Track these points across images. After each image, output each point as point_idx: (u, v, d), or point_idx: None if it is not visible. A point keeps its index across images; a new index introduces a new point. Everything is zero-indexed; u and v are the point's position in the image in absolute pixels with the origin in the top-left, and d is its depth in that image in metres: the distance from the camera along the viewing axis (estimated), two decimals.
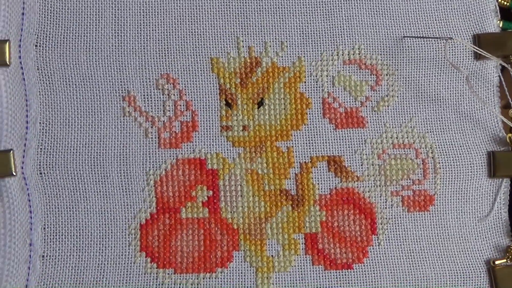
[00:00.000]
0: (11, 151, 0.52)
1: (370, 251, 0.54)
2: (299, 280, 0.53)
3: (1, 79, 0.52)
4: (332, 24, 0.55)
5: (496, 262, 0.54)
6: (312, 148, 0.55)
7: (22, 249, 0.52)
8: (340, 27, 0.55)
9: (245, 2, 0.55)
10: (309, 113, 0.55)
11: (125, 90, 0.54)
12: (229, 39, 0.55)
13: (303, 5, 0.55)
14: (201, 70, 0.55)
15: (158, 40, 0.55)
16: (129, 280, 0.53)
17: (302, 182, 0.54)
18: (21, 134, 0.53)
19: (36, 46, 0.54)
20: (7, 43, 0.53)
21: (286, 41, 0.55)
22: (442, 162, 0.55)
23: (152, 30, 0.55)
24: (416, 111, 0.56)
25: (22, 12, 0.54)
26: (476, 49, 0.55)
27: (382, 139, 0.55)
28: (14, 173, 0.52)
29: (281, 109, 0.55)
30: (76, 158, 0.53)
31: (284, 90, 0.55)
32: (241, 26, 0.55)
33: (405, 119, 0.55)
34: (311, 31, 0.55)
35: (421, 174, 0.55)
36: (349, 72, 0.56)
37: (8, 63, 0.53)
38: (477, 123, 0.56)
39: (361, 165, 0.55)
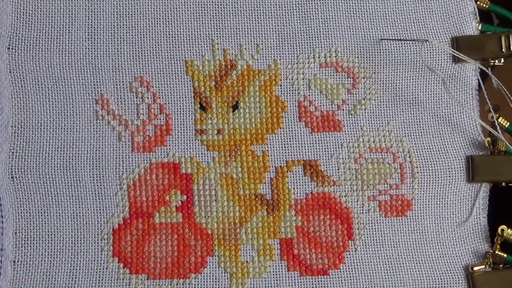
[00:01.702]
0: None
1: (347, 257, 0.53)
2: (274, 286, 0.53)
3: None
4: (308, 26, 0.55)
5: (475, 268, 0.54)
6: (288, 152, 0.54)
7: None
8: (317, 29, 0.55)
9: (220, 4, 0.55)
10: (285, 117, 0.54)
11: (98, 93, 0.54)
12: (204, 41, 0.54)
13: (279, 7, 0.55)
14: (175, 73, 0.54)
15: (132, 43, 0.54)
16: (102, 286, 0.52)
17: (277, 187, 0.54)
18: None
19: (8, 48, 0.53)
20: None
21: (262, 44, 0.55)
22: (420, 167, 0.54)
23: (126, 32, 0.54)
24: (394, 114, 0.55)
25: None
26: (454, 52, 0.54)
27: (359, 143, 0.54)
28: None
29: (256, 112, 0.54)
30: (48, 162, 0.53)
31: (260, 93, 0.54)
32: (216, 28, 0.55)
33: (382, 123, 0.55)
34: (287, 33, 0.55)
35: (398, 178, 0.54)
36: (325, 75, 0.55)
37: None
38: (455, 127, 0.55)
39: (338, 169, 0.54)
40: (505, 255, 0.54)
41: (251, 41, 0.55)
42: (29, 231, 0.52)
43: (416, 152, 0.55)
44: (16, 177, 0.52)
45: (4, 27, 0.53)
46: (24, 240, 0.52)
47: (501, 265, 0.54)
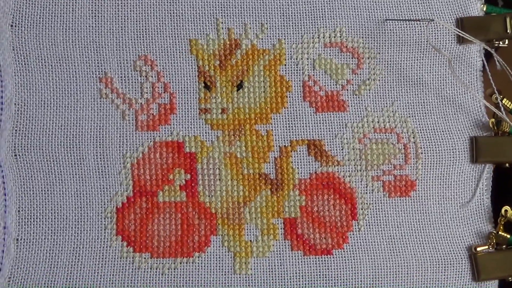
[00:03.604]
0: None
1: (350, 237, 0.53)
2: (277, 265, 0.53)
3: None
4: (313, 6, 0.55)
5: (478, 249, 0.54)
6: (292, 132, 0.54)
7: None
8: (321, 9, 0.55)
9: None
10: (289, 96, 0.54)
11: (102, 71, 0.53)
12: (208, 20, 0.54)
13: None
14: (179, 52, 0.54)
15: (136, 21, 0.54)
16: (105, 264, 0.52)
17: (281, 166, 0.53)
18: None
19: (11, 26, 0.53)
20: None
21: (266, 23, 0.54)
22: (424, 147, 0.54)
23: (130, 10, 0.54)
24: (398, 95, 0.55)
25: None
26: (459, 32, 0.54)
27: (363, 123, 0.54)
28: None
29: (260, 92, 0.54)
30: (51, 140, 0.52)
31: (264, 72, 0.54)
32: (221, 7, 0.54)
33: (386, 103, 0.55)
34: (291, 13, 0.55)
35: (402, 159, 0.54)
36: (330, 55, 0.55)
37: None
38: (459, 108, 0.55)
39: (342, 149, 0.54)
40: (508, 236, 0.54)
41: (255, 20, 0.54)
42: (32, 209, 0.52)
43: (420, 132, 0.55)
44: (19, 155, 0.52)
45: (7, 5, 0.53)
46: (28, 218, 0.52)
47: (504, 246, 0.54)
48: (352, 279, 0.53)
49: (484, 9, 0.56)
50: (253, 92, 0.54)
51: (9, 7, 0.53)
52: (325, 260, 0.53)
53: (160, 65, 0.54)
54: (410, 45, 0.55)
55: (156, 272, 0.52)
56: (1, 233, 0.52)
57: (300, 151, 0.54)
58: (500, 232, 0.54)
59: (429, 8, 0.56)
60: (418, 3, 0.55)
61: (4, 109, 0.52)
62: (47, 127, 0.53)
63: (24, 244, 0.52)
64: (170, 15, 0.54)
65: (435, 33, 0.55)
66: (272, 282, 0.52)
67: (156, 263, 0.52)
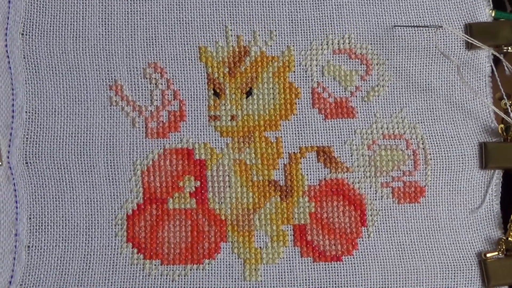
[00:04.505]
0: None
1: (360, 243, 0.53)
2: (287, 272, 0.53)
3: None
4: (321, 13, 0.55)
5: (488, 255, 0.54)
6: (301, 139, 0.54)
7: (8, 239, 0.52)
8: (330, 16, 0.55)
9: None
10: (298, 103, 0.54)
11: (112, 79, 0.54)
12: (217, 27, 0.54)
13: None
14: (189, 59, 0.54)
15: (146, 29, 0.54)
16: (115, 271, 0.52)
17: (291, 173, 0.54)
18: (7, 123, 0.53)
19: (22, 34, 0.54)
20: None
21: (275, 30, 0.55)
22: (433, 153, 0.54)
23: (140, 18, 0.54)
24: (407, 101, 0.55)
25: (9, 0, 0.54)
26: (468, 38, 0.54)
27: (372, 129, 0.54)
28: (0, 163, 0.52)
29: (269, 98, 0.54)
30: (62, 147, 0.53)
31: (273, 79, 0.54)
32: (230, 14, 0.55)
33: (395, 110, 0.55)
34: (300, 19, 0.55)
35: (411, 165, 0.54)
36: (339, 62, 0.55)
37: None
38: (468, 114, 0.55)
39: (351, 155, 0.54)
40: None
41: (264, 27, 0.55)
42: (43, 217, 0.52)
43: (429, 138, 0.55)
44: (30, 162, 0.53)
45: (18, 13, 0.53)
46: (39, 226, 0.52)
47: None
48: (361, 285, 0.53)
49: (493, 14, 0.56)
50: (262, 99, 0.54)
51: (20, 16, 0.54)
52: (334, 267, 0.53)
53: (169, 73, 0.54)
54: (418, 51, 0.55)
55: (166, 279, 0.52)
56: (13, 240, 0.52)
57: (309, 157, 0.54)
58: (509, 238, 0.54)
59: (438, 14, 0.56)
60: (427, 9, 0.56)
61: (15, 117, 0.53)
62: (58, 135, 0.53)
63: (35, 251, 0.52)
64: (180, 23, 0.54)
65: (443, 39, 0.55)
66: None
67: (167, 270, 0.52)
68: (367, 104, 0.55)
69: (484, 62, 0.56)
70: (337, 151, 0.54)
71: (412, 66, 0.55)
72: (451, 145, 0.55)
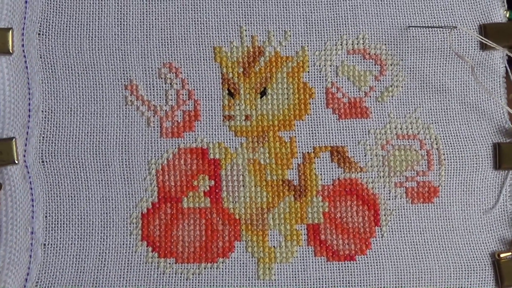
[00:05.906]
0: (14, 139, 0.52)
1: (373, 243, 0.54)
2: (301, 271, 0.53)
3: (4, 67, 0.52)
4: (336, 13, 0.55)
5: (501, 255, 0.54)
6: (315, 138, 0.54)
7: (24, 237, 0.52)
8: (344, 16, 0.55)
9: None
10: (312, 103, 0.55)
11: (127, 78, 0.54)
12: (232, 28, 0.55)
13: None
14: (203, 59, 0.54)
15: (161, 29, 0.54)
16: (130, 270, 0.53)
17: (304, 173, 0.54)
18: (23, 122, 0.53)
19: (39, 34, 0.54)
20: (10, 31, 0.53)
21: (290, 30, 0.55)
22: (447, 154, 0.54)
23: (155, 18, 0.54)
24: (421, 101, 0.55)
25: (25, 0, 0.54)
26: (482, 38, 0.54)
27: (386, 129, 0.55)
28: (16, 161, 0.52)
29: (284, 98, 0.55)
30: (78, 146, 0.53)
31: (287, 79, 0.55)
32: (244, 14, 0.55)
33: (409, 110, 0.55)
34: (315, 20, 0.55)
35: (425, 165, 0.54)
36: (353, 62, 0.55)
37: (11, 51, 0.53)
38: (482, 114, 0.55)
39: (365, 155, 0.54)
40: None
41: (279, 28, 0.55)
42: (59, 215, 0.53)
43: (443, 139, 0.55)
44: (46, 161, 0.53)
45: (34, 13, 0.54)
46: (54, 224, 0.53)
47: None
48: (375, 285, 0.53)
49: (507, 15, 0.56)
50: (277, 99, 0.54)
51: (37, 16, 0.54)
52: (348, 266, 0.53)
53: (184, 73, 0.54)
54: (433, 51, 0.55)
55: (181, 277, 0.53)
56: (29, 238, 0.52)
57: (323, 157, 0.54)
58: None
59: (452, 14, 0.56)
60: (441, 10, 0.56)
61: (31, 116, 0.53)
62: (74, 134, 0.53)
63: (51, 249, 0.53)
64: (194, 23, 0.55)
65: (458, 40, 0.55)
66: None
67: (181, 268, 0.53)
68: (381, 104, 0.55)
69: (498, 62, 0.56)
70: (351, 151, 0.54)
71: (426, 67, 0.55)
72: (465, 145, 0.55)
